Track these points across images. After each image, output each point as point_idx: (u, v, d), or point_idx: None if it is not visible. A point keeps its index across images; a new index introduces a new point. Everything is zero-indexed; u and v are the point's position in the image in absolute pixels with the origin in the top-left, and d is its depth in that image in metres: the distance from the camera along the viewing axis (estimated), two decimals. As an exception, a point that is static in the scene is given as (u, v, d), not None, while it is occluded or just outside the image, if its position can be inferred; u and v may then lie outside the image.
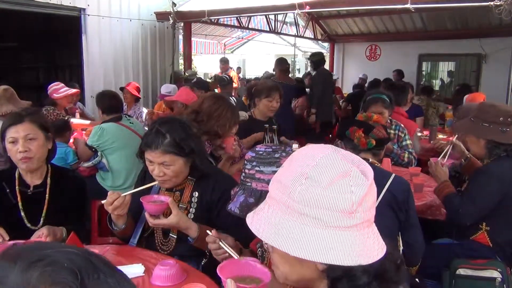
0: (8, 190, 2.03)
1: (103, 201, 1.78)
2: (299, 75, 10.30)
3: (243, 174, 1.43)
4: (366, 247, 0.84)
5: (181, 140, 1.82)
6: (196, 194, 1.96)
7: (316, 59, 6.30)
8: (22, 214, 2.01)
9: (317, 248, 0.82)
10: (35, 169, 2.04)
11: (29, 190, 2.05)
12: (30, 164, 1.99)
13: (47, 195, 2.06)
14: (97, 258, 0.54)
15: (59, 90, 4.60)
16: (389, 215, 1.87)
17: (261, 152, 1.40)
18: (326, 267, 0.86)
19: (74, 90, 4.72)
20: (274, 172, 1.35)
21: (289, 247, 0.84)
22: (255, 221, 0.92)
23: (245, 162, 1.43)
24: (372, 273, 0.86)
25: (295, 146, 3.12)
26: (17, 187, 2.04)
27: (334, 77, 9.19)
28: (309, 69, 17.71)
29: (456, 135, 2.84)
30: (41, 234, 1.81)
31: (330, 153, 0.88)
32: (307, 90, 6.77)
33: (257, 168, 1.38)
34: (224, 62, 9.17)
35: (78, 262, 0.51)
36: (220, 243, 1.44)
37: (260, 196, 1.35)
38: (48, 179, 2.09)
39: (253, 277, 1.14)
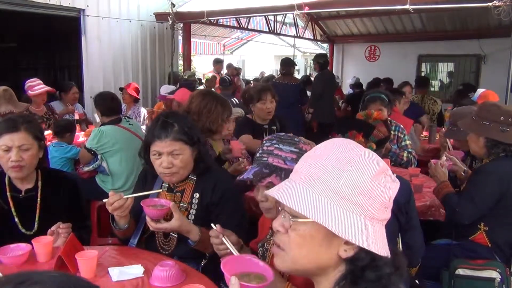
0: None
1: (104, 200, 1.77)
2: (298, 76, 10.30)
3: (260, 151, 1.46)
4: (386, 242, 0.88)
5: (188, 129, 1.87)
6: (196, 195, 1.95)
7: (323, 61, 6.52)
8: (16, 220, 1.98)
9: (361, 233, 0.84)
10: (25, 176, 2.02)
11: (20, 195, 2.02)
12: (21, 173, 1.96)
13: (39, 199, 2.03)
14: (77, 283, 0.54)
15: (34, 87, 4.53)
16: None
17: (282, 134, 1.46)
18: (353, 255, 0.88)
19: (47, 88, 4.64)
20: (292, 152, 1.39)
21: (335, 227, 0.84)
22: (286, 194, 0.90)
23: (264, 141, 1.47)
24: (391, 265, 0.89)
25: None
26: (8, 192, 2.01)
27: (338, 81, 9.24)
28: (309, 70, 17.67)
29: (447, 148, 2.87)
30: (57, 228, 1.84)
31: (368, 150, 0.93)
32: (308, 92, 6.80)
33: (276, 145, 1.42)
34: (217, 62, 9.09)
35: None
36: (223, 239, 1.45)
37: (275, 169, 1.38)
38: (39, 182, 2.07)
39: (256, 273, 1.14)
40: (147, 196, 1.91)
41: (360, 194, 0.86)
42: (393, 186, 0.90)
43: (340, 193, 0.86)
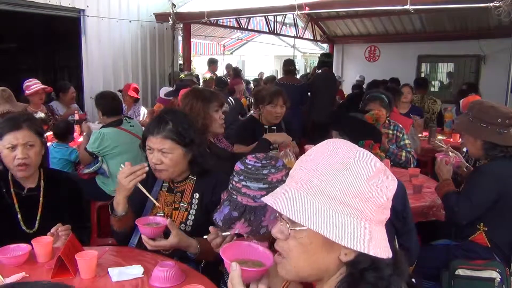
0: (4, 190, 2.01)
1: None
2: (297, 76, 10.33)
3: (231, 185, 1.41)
4: (386, 243, 0.88)
5: (182, 129, 1.86)
6: (196, 195, 1.96)
7: (331, 60, 6.73)
8: (19, 216, 2.00)
9: (359, 237, 0.84)
10: (30, 175, 2.03)
11: (23, 192, 2.03)
12: (27, 172, 1.98)
13: (41, 198, 2.04)
14: None
15: (30, 86, 4.54)
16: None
17: (250, 166, 1.37)
18: (353, 258, 0.87)
19: (42, 86, 4.63)
20: (261, 189, 1.33)
21: (331, 233, 0.83)
22: (281, 202, 0.89)
23: (234, 173, 1.41)
24: (392, 266, 0.88)
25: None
26: (12, 188, 2.02)
27: (340, 80, 9.25)
28: (309, 70, 17.67)
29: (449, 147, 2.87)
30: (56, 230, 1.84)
31: (363, 150, 0.92)
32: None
33: (243, 183, 1.35)
34: (211, 62, 9.05)
35: None
36: (223, 234, 1.45)
37: (244, 210, 1.34)
38: (42, 182, 2.08)
39: (256, 261, 1.14)
40: (139, 198, 1.90)
41: (356, 198, 0.85)
42: (390, 186, 0.89)
43: (335, 198, 0.86)
